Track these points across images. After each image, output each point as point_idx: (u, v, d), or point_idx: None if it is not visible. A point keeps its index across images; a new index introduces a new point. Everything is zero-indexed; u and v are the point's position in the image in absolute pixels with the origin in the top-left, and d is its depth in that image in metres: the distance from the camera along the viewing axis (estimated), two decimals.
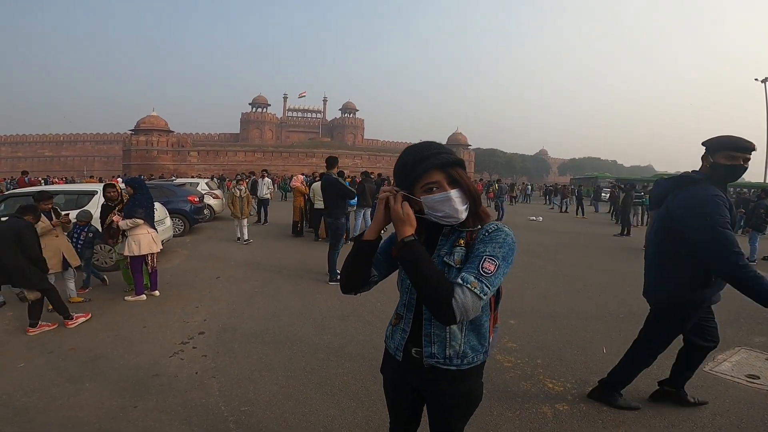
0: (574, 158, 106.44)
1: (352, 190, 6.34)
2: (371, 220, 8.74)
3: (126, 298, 4.86)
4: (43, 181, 28.68)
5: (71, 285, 4.75)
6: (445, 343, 1.21)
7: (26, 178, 17.68)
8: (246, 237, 8.79)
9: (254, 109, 77.35)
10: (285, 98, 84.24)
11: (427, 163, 1.13)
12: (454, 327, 1.20)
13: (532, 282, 5.97)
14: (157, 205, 7.61)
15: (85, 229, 5.20)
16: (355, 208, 9.13)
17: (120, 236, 4.96)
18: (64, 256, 4.48)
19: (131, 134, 50.12)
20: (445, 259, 1.18)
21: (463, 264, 1.14)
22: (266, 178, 12.35)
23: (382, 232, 1.23)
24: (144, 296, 4.88)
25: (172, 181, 15.15)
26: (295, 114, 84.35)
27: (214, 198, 12.78)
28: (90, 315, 4.25)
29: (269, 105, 78.62)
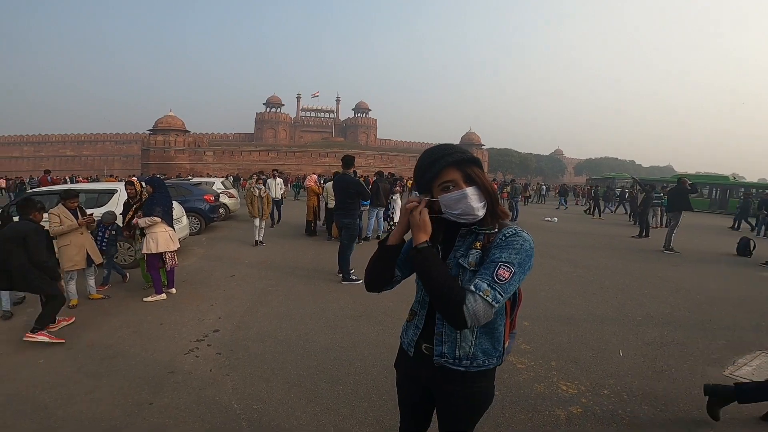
0: (590, 158, 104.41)
1: (368, 190, 6.32)
2: (384, 219, 8.63)
3: (145, 299, 4.83)
4: (69, 179, 29.42)
5: (91, 282, 4.86)
6: (456, 344, 1.20)
7: (48, 177, 18.18)
8: (261, 238, 8.76)
9: (268, 109, 78.15)
10: (299, 98, 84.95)
11: (443, 162, 1.15)
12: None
13: (547, 284, 5.89)
14: (174, 204, 7.77)
15: (109, 228, 5.34)
16: (368, 207, 9.14)
17: (137, 233, 5.05)
18: (88, 253, 4.58)
19: (149, 134, 50.93)
20: (460, 261, 1.17)
21: (478, 266, 1.13)
22: (278, 178, 12.42)
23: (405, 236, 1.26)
24: (164, 295, 4.89)
25: (189, 180, 15.39)
26: (308, 114, 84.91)
27: (229, 197, 12.93)
28: (64, 341, 3.71)
29: (283, 105, 79.40)
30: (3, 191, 26.52)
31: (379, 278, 1.30)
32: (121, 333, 3.93)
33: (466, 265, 1.15)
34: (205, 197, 10.07)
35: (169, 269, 5.06)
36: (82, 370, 3.18)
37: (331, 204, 8.80)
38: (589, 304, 5.02)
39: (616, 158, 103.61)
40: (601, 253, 8.59)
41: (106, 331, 3.99)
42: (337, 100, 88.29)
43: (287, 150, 55.16)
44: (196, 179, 15.90)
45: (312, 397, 2.79)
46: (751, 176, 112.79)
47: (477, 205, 1.14)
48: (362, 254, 6.53)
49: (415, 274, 1.33)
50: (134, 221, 4.93)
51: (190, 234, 8.88)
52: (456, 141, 62.52)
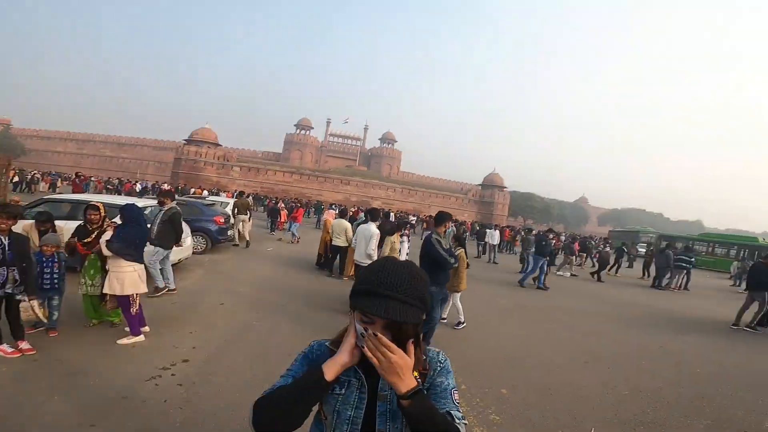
0: (616, 208, 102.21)
1: (449, 260, 4.90)
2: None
3: (119, 342, 4.23)
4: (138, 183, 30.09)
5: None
6: None
7: (78, 180, 18.94)
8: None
9: (298, 131, 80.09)
10: (328, 123, 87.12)
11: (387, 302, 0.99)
12: None
13: (538, 350, 5.66)
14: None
15: (54, 259, 4.25)
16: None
17: (91, 265, 4.53)
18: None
19: (184, 144, 51.87)
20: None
21: None
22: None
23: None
24: (142, 337, 4.36)
25: (204, 198, 15.82)
26: (335, 139, 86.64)
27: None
28: (35, 351, 3.76)
29: (312, 128, 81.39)
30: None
31: (293, 417, 1.00)
32: (90, 350, 3.98)
33: None
34: (215, 219, 10.32)
35: (133, 314, 4.35)
36: (38, 384, 3.24)
37: (337, 241, 8.87)
38: (575, 375, 4.80)
39: (644, 210, 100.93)
40: (607, 318, 8.20)
41: (77, 346, 4.05)
42: (365, 128, 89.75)
43: (311, 174, 55.93)
44: (211, 198, 16.28)
45: None
46: None
47: None
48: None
49: None
50: (97, 247, 4.35)
51: (194, 253, 9.04)
52: (479, 181, 62.44)
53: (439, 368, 1.09)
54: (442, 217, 5.09)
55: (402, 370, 0.94)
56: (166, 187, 34.13)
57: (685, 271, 13.95)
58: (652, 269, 15.61)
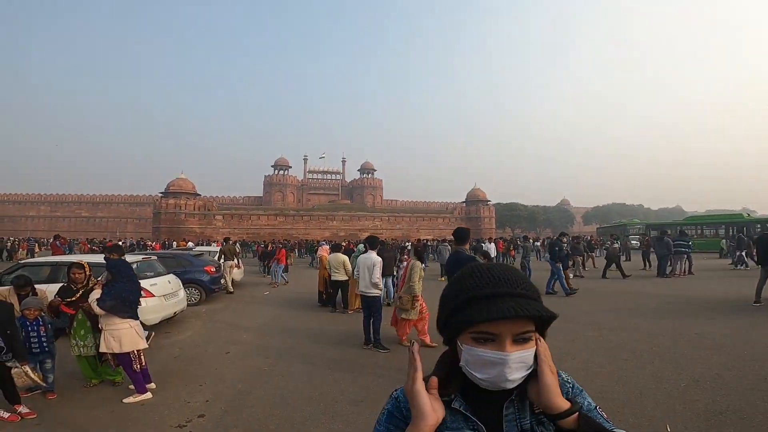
0: (597, 206, 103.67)
1: None
2: (393, 288, 7.64)
3: (125, 401, 3.91)
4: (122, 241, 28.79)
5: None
6: None
7: (58, 243, 18.13)
8: None
9: (276, 172, 79.33)
10: (305, 160, 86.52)
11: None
12: None
13: (572, 352, 5.32)
14: (171, 276, 7.54)
15: (40, 321, 4.02)
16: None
17: (80, 324, 4.30)
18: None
19: (161, 197, 50.11)
20: (538, 430, 0.80)
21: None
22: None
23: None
24: (149, 394, 4.02)
25: (191, 250, 15.38)
26: (315, 176, 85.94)
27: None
28: (36, 415, 3.58)
29: (290, 167, 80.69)
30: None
31: None
32: (98, 412, 3.68)
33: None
34: (206, 268, 9.91)
35: (139, 370, 4.09)
36: None
37: (336, 276, 8.56)
38: (623, 373, 4.47)
39: (624, 203, 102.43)
40: (626, 313, 7.91)
41: (83, 407, 3.77)
42: (343, 161, 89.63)
43: (295, 214, 55.13)
44: (198, 248, 15.86)
45: None
46: (763, 209, 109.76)
47: (515, 376, 0.77)
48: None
49: None
50: (86, 306, 4.16)
51: (189, 305, 8.53)
52: (462, 198, 62.89)
53: (569, 388, 0.86)
54: (465, 234, 4.91)
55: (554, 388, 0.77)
56: (149, 243, 33.24)
57: (685, 256, 13.95)
58: (652, 258, 15.59)
